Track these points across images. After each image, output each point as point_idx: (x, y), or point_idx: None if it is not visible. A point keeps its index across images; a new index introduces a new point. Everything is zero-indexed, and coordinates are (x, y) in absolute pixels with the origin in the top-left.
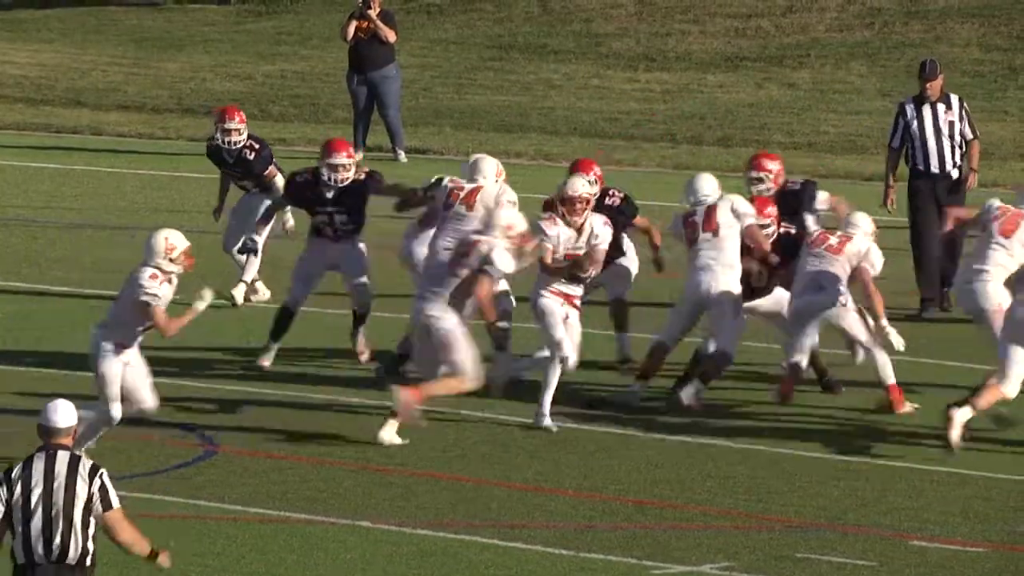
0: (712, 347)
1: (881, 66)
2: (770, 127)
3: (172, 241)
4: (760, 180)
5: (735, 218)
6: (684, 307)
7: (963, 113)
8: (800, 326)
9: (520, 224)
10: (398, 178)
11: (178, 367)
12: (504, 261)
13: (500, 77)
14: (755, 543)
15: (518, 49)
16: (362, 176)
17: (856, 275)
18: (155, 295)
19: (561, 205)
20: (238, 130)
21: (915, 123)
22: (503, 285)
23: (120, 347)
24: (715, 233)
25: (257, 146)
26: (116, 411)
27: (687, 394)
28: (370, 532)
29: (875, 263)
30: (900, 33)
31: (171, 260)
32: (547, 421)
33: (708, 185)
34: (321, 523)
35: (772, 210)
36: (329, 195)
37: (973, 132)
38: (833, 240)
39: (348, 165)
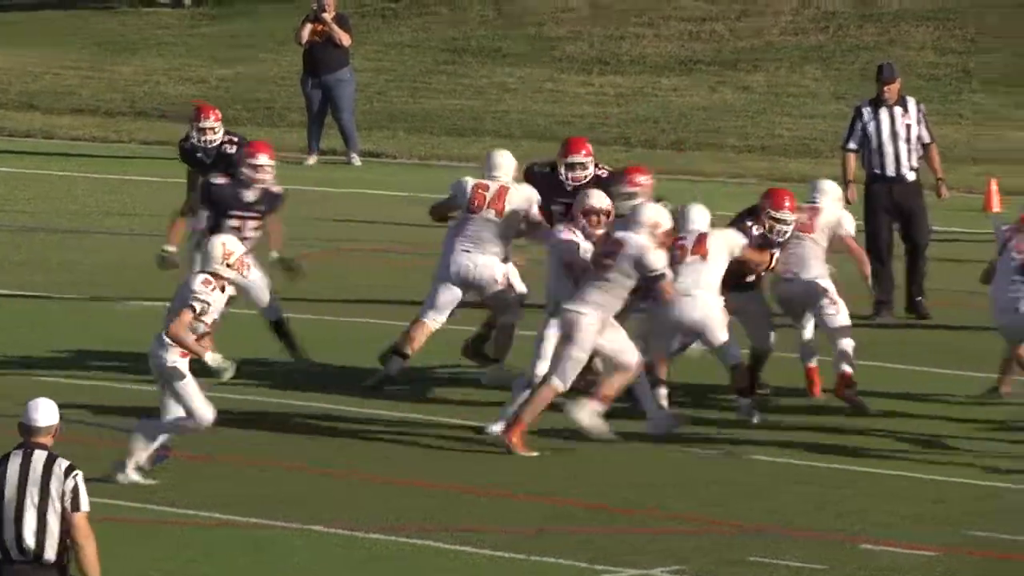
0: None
1: (835, 69)
2: (724, 130)
3: (229, 247)
4: (632, 196)
5: (727, 252)
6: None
7: (920, 117)
8: (792, 315)
9: (666, 221)
10: (351, 181)
11: (129, 371)
12: (659, 260)
13: (454, 81)
14: (706, 547)
15: (472, 53)
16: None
17: (836, 245)
18: (204, 301)
19: (583, 217)
20: (214, 128)
21: (872, 126)
22: (520, 286)
23: (183, 356)
24: (703, 258)
25: (236, 139)
26: (208, 411)
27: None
28: (322, 536)
29: (849, 227)
30: (854, 36)
31: (228, 266)
32: (493, 428)
33: (700, 217)
34: (272, 527)
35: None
36: (248, 198)
37: (930, 136)
38: (803, 216)
39: (269, 167)
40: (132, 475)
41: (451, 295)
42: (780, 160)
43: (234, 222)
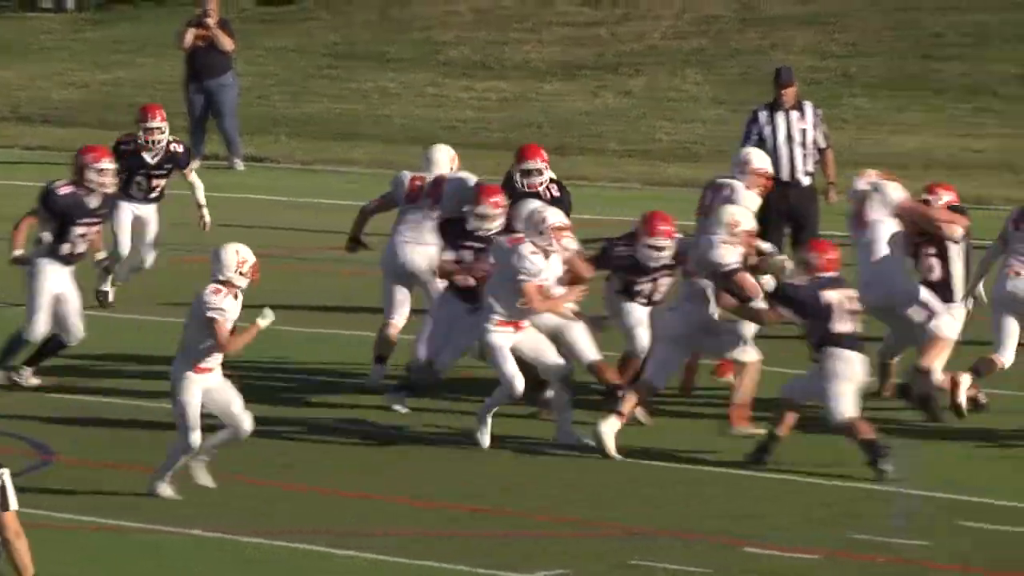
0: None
1: (716, 74)
2: (605, 135)
3: (243, 254)
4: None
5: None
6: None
7: (817, 121)
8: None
9: (747, 221)
10: (234, 186)
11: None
12: (729, 256)
13: (337, 85)
14: (593, 550)
15: (355, 57)
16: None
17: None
18: (221, 309)
19: (552, 233)
20: (160, 128)
21: (767, 130)
22: None
23: (201, 372)
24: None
25: (178, 139)
26: (195, 439)
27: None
28: (201, 540)
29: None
30: (735, 40)
31: (241, 274)
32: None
33: None
34: (153, 531)
35: None
36: (93, 204)
37: (826, 141)
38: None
39: (111, 172)
40: (164, 489)
41: (401, 293)
42: (660, 164)
43: (80, 229)
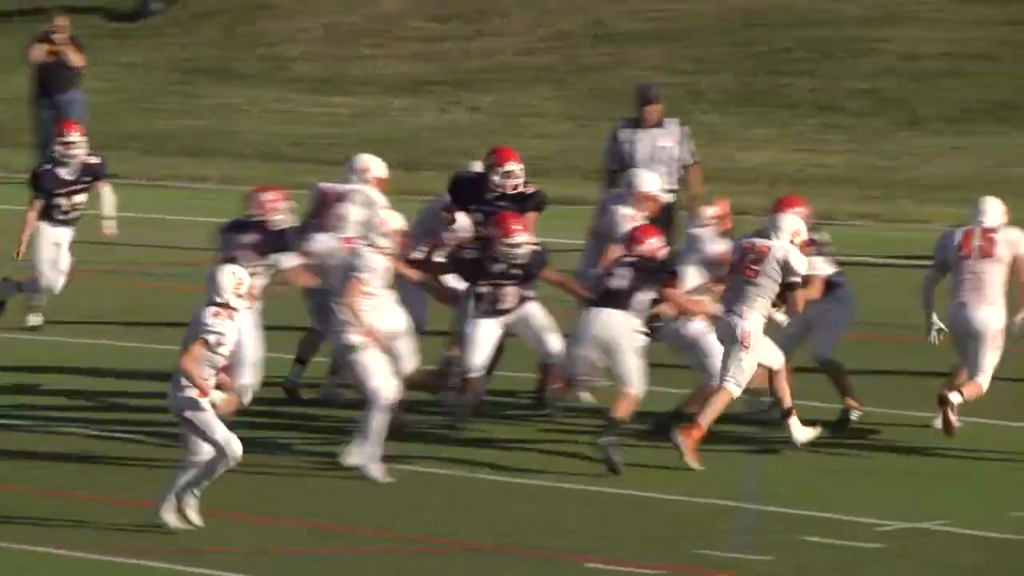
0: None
1: (567, 89)
2: (455, 151)
3: (239, 275)
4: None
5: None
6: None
7: (682, 138)
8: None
9: (804, 231)
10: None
11: None
12: (803, 265)
13: (187, 101)
14: (429, 567)
15: (205, 73)
16: None
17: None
18: (220, 333)
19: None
20: (76, 142)
21: (628, 147)
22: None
23: (202, 393)
24: None
25: (93, 152)
26: (237, 445)
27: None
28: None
29: None
30: (586, 57)
31: (239, 295)
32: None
33: None
34: None
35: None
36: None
37: (693, 157)
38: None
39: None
40: (168, 517)
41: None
42: None
43: (60, 200)
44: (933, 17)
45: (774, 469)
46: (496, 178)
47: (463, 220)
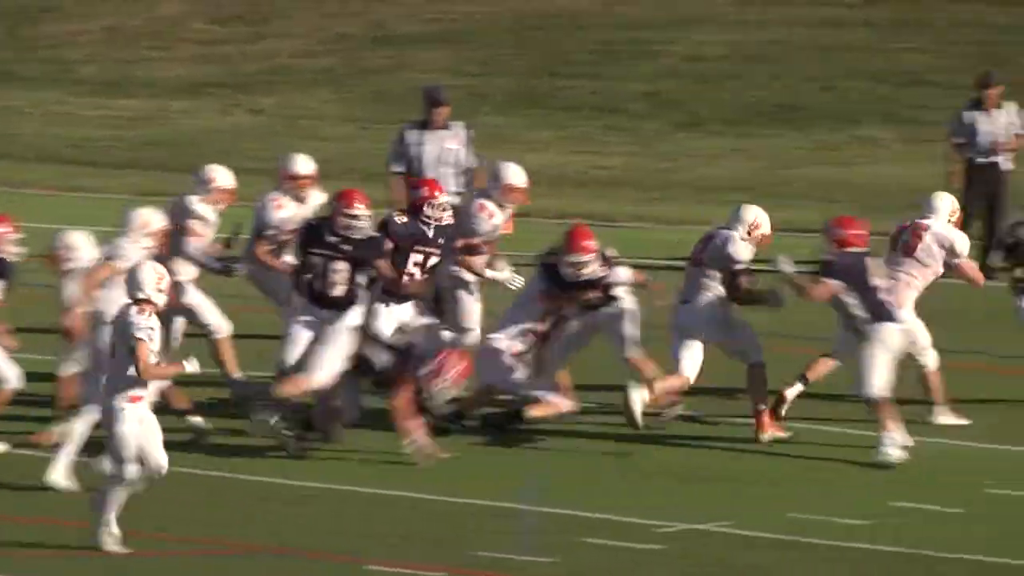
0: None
1: (348, 92)
2: (237, 153)
3: (159, 270)
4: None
5: None
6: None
7: (467, 141)
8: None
9: (766, 224)
10: None
11: None
12: (744, 251)
13: None
14: (199, 570)
15: None
16: None
17: None
18: (150, 328)
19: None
20: None
21: (414, 149)
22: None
23: (134, 401)
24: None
25: None
26: (133, 471)
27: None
28: None
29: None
30: (366, 59)
31: (159, 291)
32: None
33: None
34: None
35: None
36: None
37: (477, 160)
38: None
39: None
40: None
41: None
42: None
43: None
44: (716, 19)
45: (554, 471)
46: (428, 210)
47: (289, 207)
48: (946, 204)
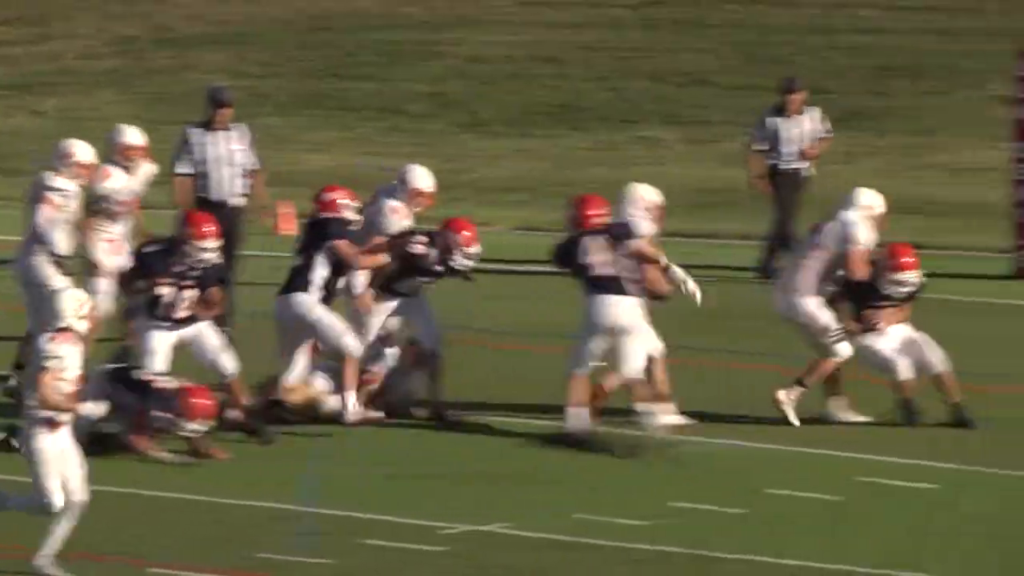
0: None
1: (132, 93)
2: (18, 155)
3: (80, 298)
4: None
5: None
6: None
7: (249, 142)
8: None
9: (657, 197)
10: None
11: None
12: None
13: None
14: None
15: None
16: None
17: None
18: (58, 357)
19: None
20: None
21: (198, 149)
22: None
23: (52, 426)
24: None
25: None
26: (59, 499)
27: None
28: None
29: None
30: (150, 60)
31: (80, 318)
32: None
33: None
34: None
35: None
36: None
37: (257, 162)
38: None
39: None
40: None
41: None
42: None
43: None
44: (500, 20)
45: (332, 473)
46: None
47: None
48: (866, 198)
